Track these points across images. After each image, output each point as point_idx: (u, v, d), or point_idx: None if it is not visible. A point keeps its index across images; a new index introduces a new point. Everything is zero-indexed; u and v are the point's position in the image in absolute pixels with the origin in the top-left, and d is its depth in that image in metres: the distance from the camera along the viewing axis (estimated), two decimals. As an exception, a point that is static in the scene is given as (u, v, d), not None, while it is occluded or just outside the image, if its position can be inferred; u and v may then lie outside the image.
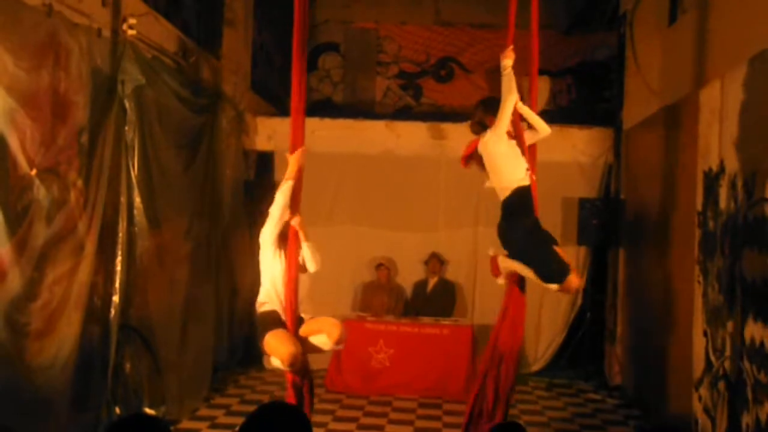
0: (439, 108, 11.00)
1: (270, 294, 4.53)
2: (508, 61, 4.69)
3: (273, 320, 4.44)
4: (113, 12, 5.67)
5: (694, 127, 6.12)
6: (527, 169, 4.72)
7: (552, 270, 4.67)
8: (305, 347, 4.44)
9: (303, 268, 4.62)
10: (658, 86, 7.46)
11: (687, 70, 6.48)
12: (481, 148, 4.81)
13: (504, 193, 4.73)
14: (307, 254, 4.60)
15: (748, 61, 5.13)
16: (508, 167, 4.72)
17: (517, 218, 4.70)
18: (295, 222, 4.54)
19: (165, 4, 7.26)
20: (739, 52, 5.30)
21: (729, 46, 5.60)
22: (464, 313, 8.91)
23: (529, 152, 4.80)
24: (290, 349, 4.24)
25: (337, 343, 4.50)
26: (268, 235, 4.54)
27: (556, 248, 4.72)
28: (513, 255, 4.78)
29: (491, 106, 4.82)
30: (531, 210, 4.71)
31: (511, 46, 4.73)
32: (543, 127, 4.87)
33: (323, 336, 4.49)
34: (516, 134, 4.76)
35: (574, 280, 4.68)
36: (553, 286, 4.74)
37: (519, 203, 4.69)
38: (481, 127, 4.88)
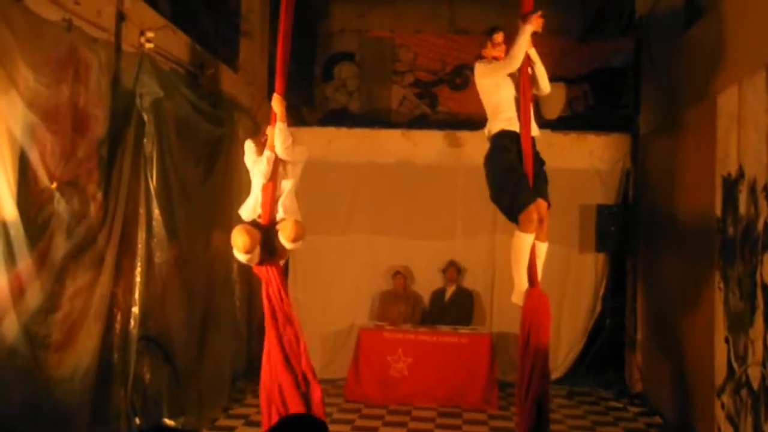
0: (455, 116, 10.98)
1: (248, 210, 4.93)
2: (529, 27, 4.71)
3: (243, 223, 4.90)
4: (131, 26, 5.73)
5: (712, 132, 6.08)
6: (510, 118, 4.85)
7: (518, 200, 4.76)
8: (276, 246, 4.81)
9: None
10: (675, 91, 7.42)
11: (704, 75, 6.44)
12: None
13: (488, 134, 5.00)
14: (278, 135, 4.86)
15: (766, 66, 5.09)
16: (488, 106, 4.97)
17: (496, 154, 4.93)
18: (274, 103, 4.92)
19: (182, 17, 7.33)
20: (757, 57, 5.27)
21: (746, 51, 5.56)
22: (482, 322, 8.88)
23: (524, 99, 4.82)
24: (243, 238, 4.63)
25: (293, 241, 4.77)
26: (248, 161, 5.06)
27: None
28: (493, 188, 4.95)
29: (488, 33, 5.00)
30: (511, 150, 4.83)
31: (540, 12, 4.74)
32: (545, 85, 4.95)
33: (281, 235, 4.80)
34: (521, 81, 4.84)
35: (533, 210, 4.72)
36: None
37: (497, 146, 4.91)
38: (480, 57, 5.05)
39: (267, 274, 4.90)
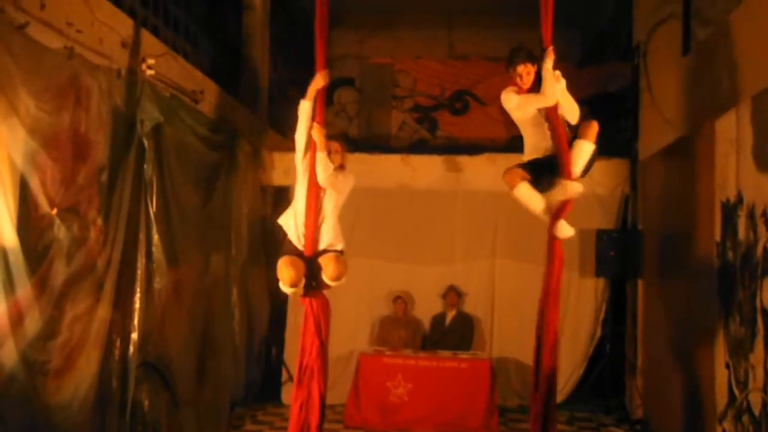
0: (455, 141, 11.04)
1: (288, 223, 4.89)
2: (549, 61, 4.69)
3: (288, 250, 4.85)
4: (132, 53, 5.77)
5: (711, 158, 6.10)
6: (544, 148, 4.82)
7: None
8: (319, 279, 4.79)
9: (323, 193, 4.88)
10: (674, 116, 7.46)
11: (702, 101, 6.48)
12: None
13: None
14: (318, 164, 4.81)
15: (763, 90, 5.13)
16: (523, 135, 4.94)
17: None
18: (313, 132, 4.86)
19: (183, 44, 7.40)
20: (755, 82, 5.30)
21: (744, 76, 5.60)
22: (483, 347, 8.84)
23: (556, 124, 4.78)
24: (289, 272, 4.64)
25: (335, 279, 4.75)
26: (297, 159, 4.96)
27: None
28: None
29: (513, 58, 4.88)
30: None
31: (551, 47, 4.74)
32: (573, 115, 4.90)
33: (323, 274, 4.76)
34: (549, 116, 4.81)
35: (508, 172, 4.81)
36: None
37: None
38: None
39: (309, 306, 4.87)
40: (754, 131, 5.28)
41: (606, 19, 10.18)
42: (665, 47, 7.87)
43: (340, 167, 4.96)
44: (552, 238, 4.87)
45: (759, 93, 5.20)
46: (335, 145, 4.97)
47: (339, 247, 4.89)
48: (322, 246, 4.84)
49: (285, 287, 4.72)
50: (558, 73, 4.73)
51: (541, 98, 4.75)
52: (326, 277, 4.75)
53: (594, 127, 4.87)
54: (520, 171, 4.84)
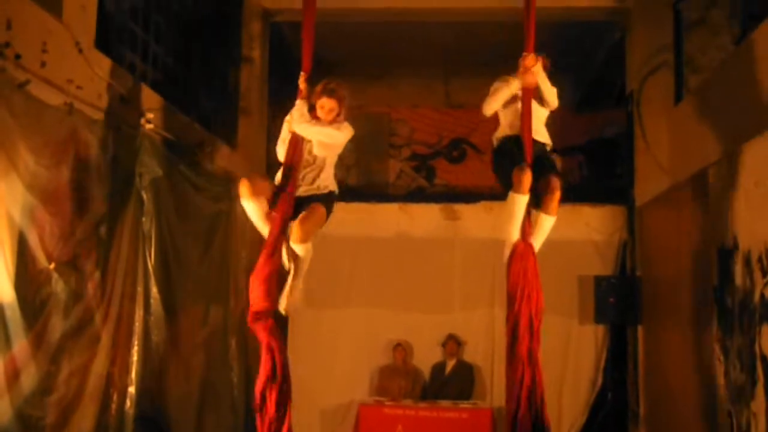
0: (452, 189, 11.08)
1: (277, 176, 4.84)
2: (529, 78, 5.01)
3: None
4: (132, 107, 5.84)
5: (706, 204, 6.14)
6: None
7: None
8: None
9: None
10: (668, 163, 7.52)
11: (696, 148, 6.54)
12: None
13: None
14: (294, 111, 4.81)
15: (756, 137, 5.18)
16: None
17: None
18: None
19: (182, 97, 7.49)
20: (747, 129, 5.37)
21: (736, 123, 5.67)
22: (483, 396, 8.76)
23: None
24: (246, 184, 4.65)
25: (296, 242, 4.55)
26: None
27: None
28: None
29: None
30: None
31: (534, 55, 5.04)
32: (552, 101, 5.14)
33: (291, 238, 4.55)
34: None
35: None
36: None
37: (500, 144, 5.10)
38: None
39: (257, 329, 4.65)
40: (747, 178, 5.32)
41: (599, 67, 10.31)
42: (658, 95, 7.98)
43: (336, 120, 4.79)
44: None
45: (752, 140, 5.25)
46: (329, 103, 4.71)
47: (329, 189, 4.85)
48: (311, 189, 4.78)
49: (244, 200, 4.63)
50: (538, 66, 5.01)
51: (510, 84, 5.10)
52: (293, 241, 4.51)
53: (556, 197, 4.70)
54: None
